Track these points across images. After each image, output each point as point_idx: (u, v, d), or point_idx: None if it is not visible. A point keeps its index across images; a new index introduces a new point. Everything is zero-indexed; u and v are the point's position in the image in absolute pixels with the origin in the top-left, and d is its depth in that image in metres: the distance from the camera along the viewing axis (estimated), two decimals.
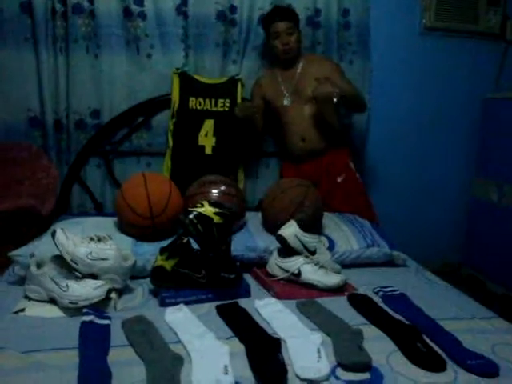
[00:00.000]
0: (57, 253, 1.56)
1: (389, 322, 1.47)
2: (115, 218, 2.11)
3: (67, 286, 1.50)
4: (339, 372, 1.21)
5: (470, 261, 3.22)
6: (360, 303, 1.62)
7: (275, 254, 1.85)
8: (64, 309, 1.49)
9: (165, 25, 2.50)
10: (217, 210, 1.66)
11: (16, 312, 1.48)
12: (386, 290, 1.72)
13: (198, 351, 1.26)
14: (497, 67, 3.10)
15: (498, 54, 3.09)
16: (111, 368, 1.17)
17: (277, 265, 1.81)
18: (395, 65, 2.92)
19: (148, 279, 1.68)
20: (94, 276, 1.56)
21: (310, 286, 1.74)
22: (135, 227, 1.98)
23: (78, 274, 1.56)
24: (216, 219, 1.65)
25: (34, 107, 2.44)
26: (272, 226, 2.04)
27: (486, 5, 3.00)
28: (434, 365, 1.24)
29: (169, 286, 1.63)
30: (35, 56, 2.39)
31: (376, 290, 1.73)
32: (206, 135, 2.55)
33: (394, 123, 2.98)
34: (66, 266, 1.55)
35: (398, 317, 1.52)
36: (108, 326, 1.39)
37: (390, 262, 2.06)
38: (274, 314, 1.52)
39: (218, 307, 1.56)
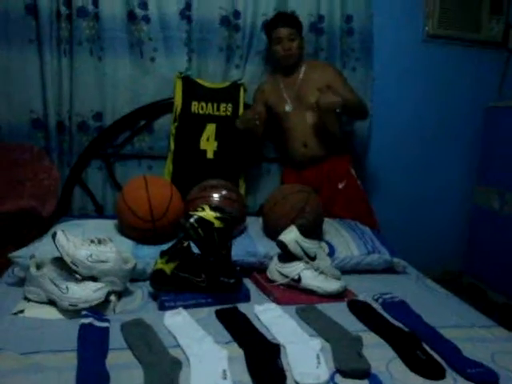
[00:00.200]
0: (57, 254, 1.56)
1: (388, 329, 1.47)
2: (116, 221, 2.10)
3: (67, 288, 1.50)
4: (338, 378, 1.20)
5: (471, 269, 3.21)
6: (360, 310, 1.61)
7: (275, 259, 1.85)
8: (63, 311, 1.49)
9: (168, 29, 2.51)
10: (218, 214, 1.66)
11: (15, 313, 1.48)
12: (386, 296, 1.72)
13: (196, 355, 1.26)
14: (499, 76, 3.10)
15: (500, 62, 3.09)
16: (109, 371, 1.17)
17: (277, 270, 1.81)
18: (398, 71, 2.93)
19: (148, 282, 1.68)
20: (93, 278, 1.56)
21: (310, 292, 1.73)
22: (136, 230, 1.97)
23: (77, 276, 1.55)
24: (217, 224, 1.65)
25: (37, 109, 2.44)
26: (272, 231, 2.04)
27: (489, 13, 3.01)
28: (433, 373, 1.23)
29: (168, 289, 1.63)
30: (39, 58, 2.39)
31: (376, 297, 1.73)
32: (207, 139, 2.55)
33: (395, 130, 2.98)
34: (66, 268, 1.55)
35: (397, 324, 1.52)
36: (107, 328, 1.39)
37: (390, 269, 2.06)
38: (273, 319, 1.51)
39: (217, 312, 1.55)
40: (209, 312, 1.56)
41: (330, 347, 1.34)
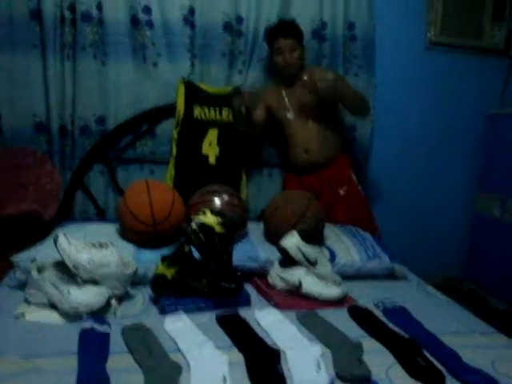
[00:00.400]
0: (58, 258, 1.57)
1: (389, 336, 1.46)
2: (117, 225, 2.11)
3: (68, 291, 1.50)
4: None
5: (472, 276, 3.20)
6: (360, 316, 1.61)
7: (276, 264, 1.85)
8: (64, 314, 1.49)
9: (172, 34, 2.52)
10: (219, 219, 1.67)
11: (16, 316, 1.48)
12: (386, 303, 1.72)
13: (196, 360, 1.26)
14: (501, 83, 3.10)
15: (502, 69, 3.09)
16: (110, 375, 1.17)
17: (278, 275, 1.81)
18: (400, 78, 2.93)
19: (148, 286, 1.68)
20: (95, 282, 1.56)
21: (311, 298, 1.73)
22: (137, 234, 1.98)
23: (79, 279, 1.56)
24: (218, 229, 1.65)
25: (40, 113, 2.45)
26: (274, 236, 2.04)
27: (491, 20, 3.02)
28: (433, 379, 1.23)
29: (169, 294, 1.63)
30: (42, 62, 2.40)
31: (376, 303, 1.73)
32: (209, 144, 2.56)
33: (397, 137, 2.98)
34: (68, 272, 1.55)
35: (398, 330, 1.52)
36: (107, 332, 1.39)
37: (391, 276, 2.06)
38: (273, 324, 1.51)
39: (218, 317, 1.55)
40: (209, 317, 1.56)
41: (331, 353, 1.34)
